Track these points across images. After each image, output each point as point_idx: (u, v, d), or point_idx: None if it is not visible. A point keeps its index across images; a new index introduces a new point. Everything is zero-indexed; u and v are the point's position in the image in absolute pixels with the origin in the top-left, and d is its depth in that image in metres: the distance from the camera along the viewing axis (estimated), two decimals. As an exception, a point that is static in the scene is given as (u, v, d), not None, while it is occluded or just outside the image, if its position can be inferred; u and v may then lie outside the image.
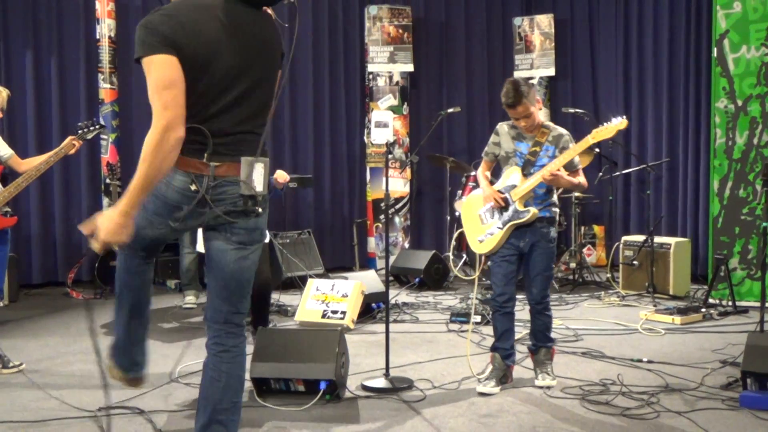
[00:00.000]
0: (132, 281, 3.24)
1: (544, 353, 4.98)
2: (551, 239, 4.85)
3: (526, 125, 4.75)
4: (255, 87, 3.01)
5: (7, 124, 8.17)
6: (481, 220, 4.95)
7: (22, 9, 8.36)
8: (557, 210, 4.94)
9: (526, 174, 4.77)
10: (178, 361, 5.21)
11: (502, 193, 4.83)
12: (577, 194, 8.62)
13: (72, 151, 5.33)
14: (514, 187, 4.80)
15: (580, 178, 4.87)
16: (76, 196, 8.61)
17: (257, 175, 2.96)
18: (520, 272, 4.95)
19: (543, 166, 4.73)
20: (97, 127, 5.46)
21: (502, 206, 4.81)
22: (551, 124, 4.92)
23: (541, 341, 4.99)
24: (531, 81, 10.14)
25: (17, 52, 8.36)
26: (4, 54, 8.30)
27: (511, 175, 4.84)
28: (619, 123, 4.69)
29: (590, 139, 4.71)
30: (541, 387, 4.82)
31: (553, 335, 5.12)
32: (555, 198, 4.92)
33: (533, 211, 4.74)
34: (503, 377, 4.88)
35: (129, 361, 3.38)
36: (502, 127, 4.93)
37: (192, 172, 2.92)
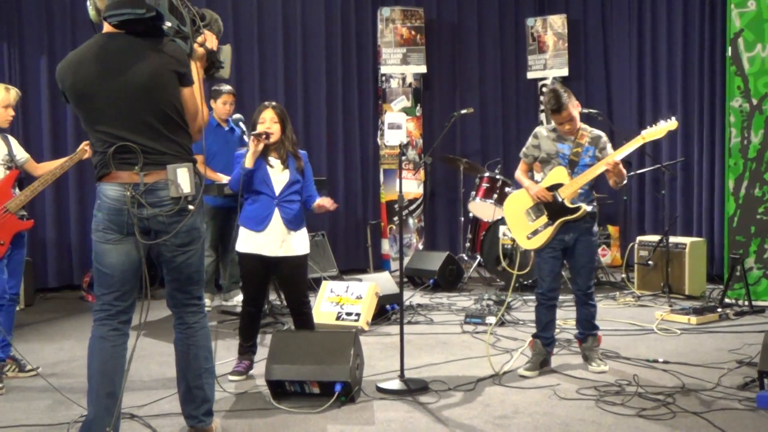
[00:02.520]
0: (102, 346, 3.59)
1: (591, 340, 5.27)
2: (594, 233, 5.18)
3: (570, 128, 5.03)
4: (136, 108, 3.48)
5: (22, 129, 8.22)
6: (528, 218, 5.18)
7: (36, 14, 8.41)
8: (597, 205, 5.24)
9: (570, 173, 5.03)
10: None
11: (550, 190, 5.07)
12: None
13: (86, 156, 5.43)
14: (560, 185, 5.05)
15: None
16: (90, 199, 8.59)
17: (182, 179, 3.50)
18: (564, 266, 5.37)
19: (586, 165, 5.05)
20: None
21: (551, 203, 5.04)
22: (587, 126, 5.18)
23: (588, 329, 5.26)
24: (545, 81, 10.16)
25: (32, 57, 8.41)
26: (19, 59, 8.35)
27: (557, 174, 5.09)
28: (669, 124, 5.01)
29: (641, 139, 5.02)
30: (596, 372, 5.09)
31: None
32: (594, 195, 5.24)
33: (583, 207, 5.04)
34: (543, 362, 5.19)
35: None
36: (540, 130, 5.24)
37: (125, 182, 3.48)
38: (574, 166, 5.05)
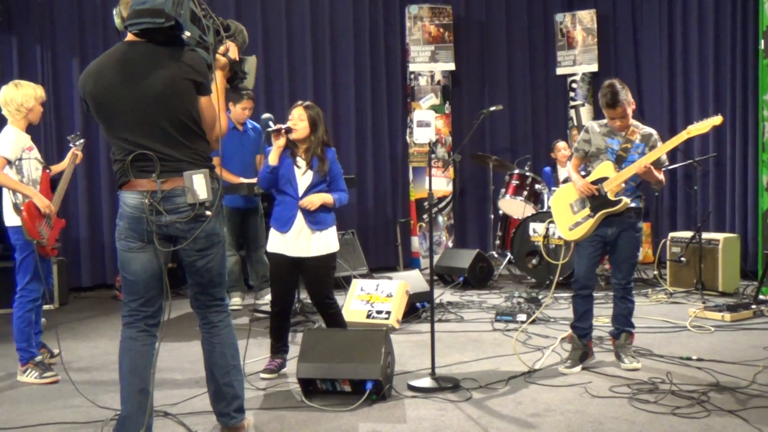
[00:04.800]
0: (131, 346, 3.66)
1: (624, 338, 5.27)
2: (638, 229, 5.21)
3: (621, 124, 5.07)
4: (152, 116, 3.49)
5: (55, 130, 8.32)
6: (572, 210, 5.26)
7: (69, 17, 8.50)
8: (644, 202, 5.28)
9: (617, 168, 5.08)
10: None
11: (595, 184, 5.13)
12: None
13: (78, 161, 5.74)
14: (605, 179, 5.11)
15: (662, 176, 5.18)
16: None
17: (198, 185, 3.51)
18: (603, 259, 5.34)
19: (634, 161, 5.05)
20: (82, 140, 5.85)
21: (595, 196, 5.10)
22: (639, 123, 5.20)
23: (623, 325, 5.27)
24: (574, 78, 10.09)
25: (64, 59, 8.50)
26: (52, 61, 8.44)
27: (604, 168, 5.14)
28: (714, 119, 5.05)
29: (685, 134, 5.08)
30: (628, 370, 5.07)
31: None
32: (640, 191, 5.26)
33: (625, 200, 5.06)
34: (583, 355, 5.21)
35: None
36: (592, 125, 5.29)
37: (143, 190, 3.51)
38: (621, 161, 5.08)
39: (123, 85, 3.50)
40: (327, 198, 5.03)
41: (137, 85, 3.48)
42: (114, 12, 3.74)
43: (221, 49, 3.68)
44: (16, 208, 5.11)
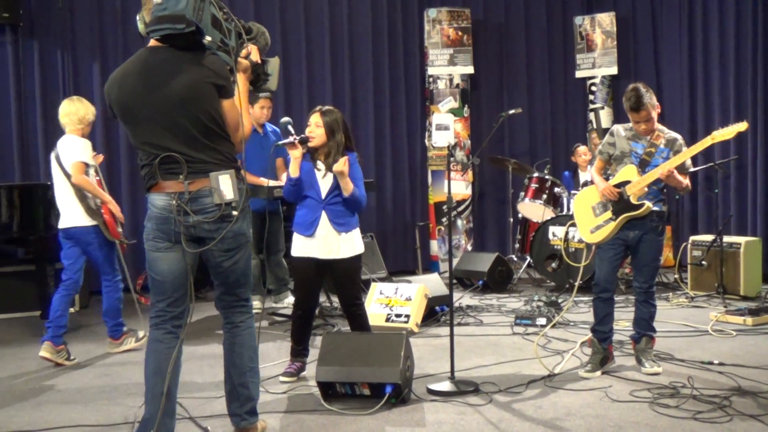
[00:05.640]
0: (157, 348, 3.71)
1: (645, 342, 5.24)
2: (660, 232, 5.18)
3: (646, 128, 5.05)
4: (176, 120, 3.53)
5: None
6: (593, 213, 5.25)
7: (89, 21, 8.56)
8: (667, 207, 5.27)
9: (640, 172, 5.07)
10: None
11: (618, 188, 5.11)
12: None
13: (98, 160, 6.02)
14: (628, 182, 5.08)
15: (687, 181, 5.14)
16: (143, 203, 8.70)
17: (225, 185, 3.56)
18: (624, 262, 5.33)
19: (657, 165, 5.02)
20: None
21: (617, 200, 5.08)
22: (664, 128, 5.19)
23: (644, 328, 5.24)
24: (593, 81, 10.05)
25: (85, 63, 8.56)
26: (72, 64, 8.51)
27: (627, 172, 5.12)
28: (739, 125, 5.07)
29: (710, 140, 5.04)
30: (649, 374, 5.04)
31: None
32: (664, 195, 5.23)
33: (647, 204, 5.03)
34: (603, 359, 5.19)
35: None
36: (618, 129, 5.27)
37: (171, 192, 3.57)
38: (645, 165, 5.06)
39: (146, 91, 3.54)
40: (348, 178, 4.93)
41: (160, 91, 3.52)
42: (137, 18, 3.78)
43: (243, 52, 3.70)
44: (90, 210, 5.60)
